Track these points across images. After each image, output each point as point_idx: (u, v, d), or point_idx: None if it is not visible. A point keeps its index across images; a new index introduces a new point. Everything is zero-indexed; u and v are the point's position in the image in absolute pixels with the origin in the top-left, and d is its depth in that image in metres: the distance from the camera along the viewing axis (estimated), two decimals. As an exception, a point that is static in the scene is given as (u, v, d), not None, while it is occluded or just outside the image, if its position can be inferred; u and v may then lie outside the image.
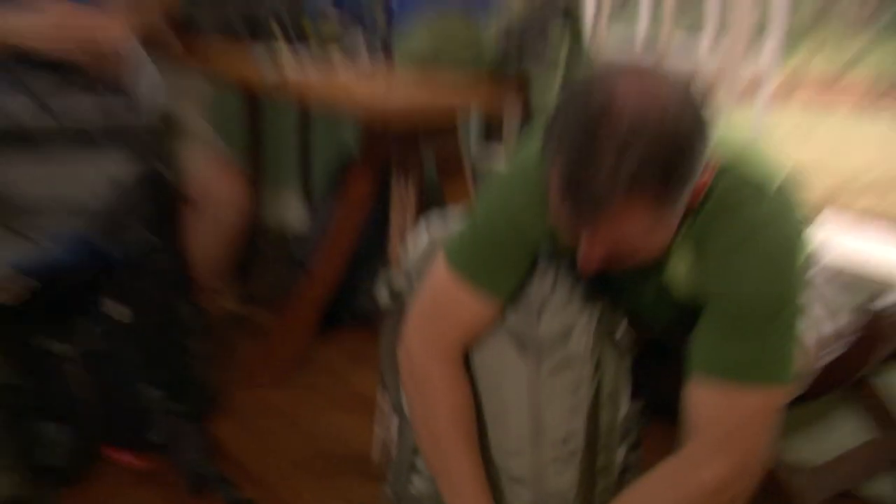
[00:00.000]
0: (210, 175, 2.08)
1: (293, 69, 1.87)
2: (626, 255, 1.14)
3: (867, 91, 9.32)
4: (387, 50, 1.98)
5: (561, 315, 1.42)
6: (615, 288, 1.44)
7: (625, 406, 1.50)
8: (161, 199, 1.88)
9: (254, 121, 2.86)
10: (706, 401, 1.25)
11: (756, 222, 1.21)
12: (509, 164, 1.41)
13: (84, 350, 1.88)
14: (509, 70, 1.85)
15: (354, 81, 1.84)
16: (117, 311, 1.87)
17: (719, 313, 1.25)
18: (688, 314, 1.31)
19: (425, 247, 1.54)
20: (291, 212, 3.42)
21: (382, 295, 1.63)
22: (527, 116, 1.91)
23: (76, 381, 1.90)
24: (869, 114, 8.60)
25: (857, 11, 11.77)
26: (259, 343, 2.58)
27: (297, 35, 2.03)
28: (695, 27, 2.39)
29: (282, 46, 2.02)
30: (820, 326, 1.49)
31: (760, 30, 2.22)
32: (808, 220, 1.29)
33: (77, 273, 1.78)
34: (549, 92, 1.84)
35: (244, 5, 2.08)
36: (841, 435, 1.99)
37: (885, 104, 8.83)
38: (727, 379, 1.22)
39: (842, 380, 1.59)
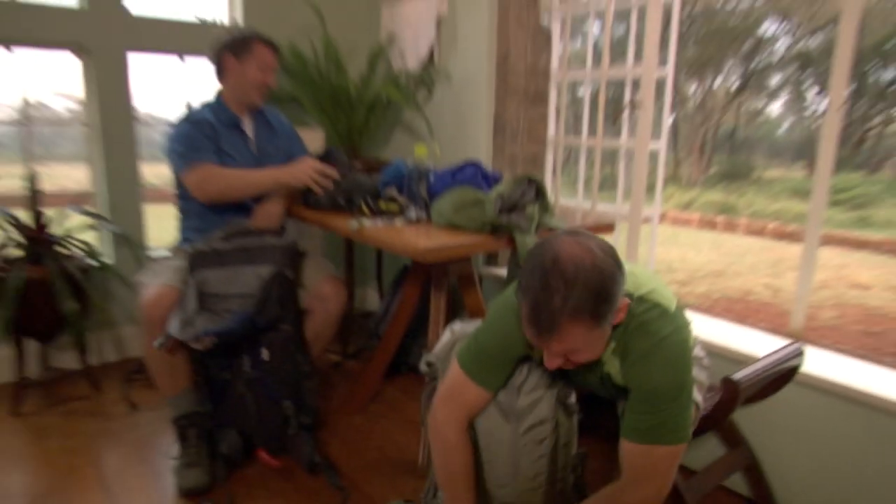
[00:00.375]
0: (322, 283, 1.96)
1: (370, 225, 1.75)
2: (576, 356, 1.08)
3: (702, 217, 9.25)
4: (427, 211, 1.85)
5: (532, 393, 1.28)
6: (571, 378, 1.30)
7: (573, 449, 1.34)
8: (286, 290, 1.80)
9: (349, 250, 2.74)
10: (632, 453, 1.17)
11: (661, 335, 1.13)
12: (499, 299, 1.27)
13: (245, 378, 1.79)
14: (502, 222, 1.71)
15: (406, 231, 1.72)
16: (263, 352, 1.78)
17: (638, 397, 1.15)
18: (622, 389, 1.22)
19: (448, 339, 1.43)
20: (370, 301, 3.27)
21: (423, 365, 1.49)
22: (514, 250, 1.76)
23: (241, 398, 1.80)
24: (706, 229, 8.53)
25: (690, 174, 11.81)
26: (349, 383, 2.40)
27: (376, 208, 1.94)
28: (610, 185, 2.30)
29: (367, 214, 1.93)
30: (697, 396, 1.35)
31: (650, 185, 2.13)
32: (690, 324, 1.19)
33: (241, 333, 1.71)
34: (527, 237, 1.70)
35: (345, 192, 2.01)
36: (711, 448, 1.84)
37: (713, 224, 8.77)
38: (645, 443, 1.15)
39: (712, 427, 1.43)
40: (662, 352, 1.12)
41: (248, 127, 2.03)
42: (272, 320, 1.75)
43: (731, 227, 8.78)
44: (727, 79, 13.41)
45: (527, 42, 2.40)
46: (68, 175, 2.55)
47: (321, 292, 1.94)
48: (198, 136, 1.90)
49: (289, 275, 1.79)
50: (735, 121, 13.54)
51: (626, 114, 2.28)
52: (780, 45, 12.41)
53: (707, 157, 13.25)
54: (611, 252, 1.01)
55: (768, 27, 12.12)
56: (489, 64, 2.38)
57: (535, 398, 1.27)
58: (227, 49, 1.93)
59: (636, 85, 2.21)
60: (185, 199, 2.01)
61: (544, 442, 1.26)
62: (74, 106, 2.53)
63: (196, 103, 2.03)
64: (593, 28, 2.52)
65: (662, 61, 2.18)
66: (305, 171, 1.93)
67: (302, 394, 1.85)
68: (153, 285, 1.78)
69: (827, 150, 1.75)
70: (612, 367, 1.18)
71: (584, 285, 0.97)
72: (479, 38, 2.38)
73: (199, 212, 1.98)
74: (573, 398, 1.32)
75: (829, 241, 7.81)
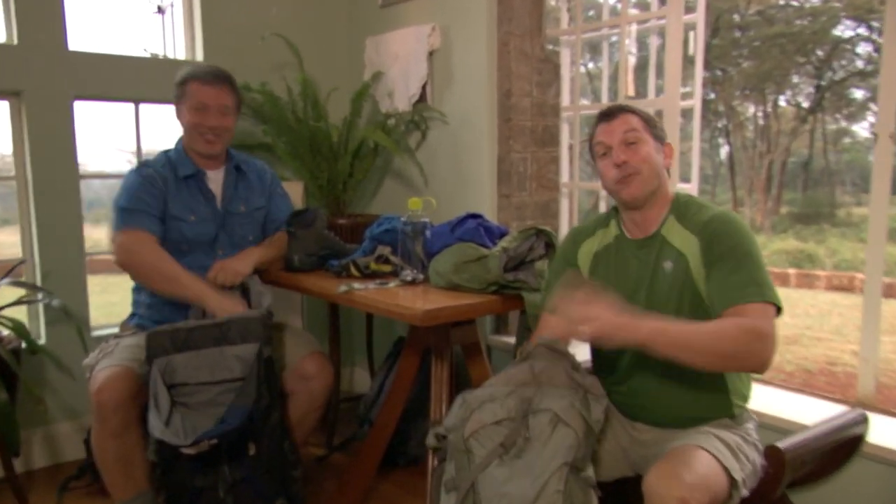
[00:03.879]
0: (304, 360, 2.19)
1: (359, 288, 2.01)
2: (636, 149, 1.62)
3: (769, 270, 9.45)
4: (425, 272, 2.11)
5: (543, 463, 1.48)
6: (651, 288, 1.65)
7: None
8: (270, 370, 1.97)
9: (334, 324, 2.98)
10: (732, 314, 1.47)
11: (720, 209, 1.61)
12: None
13: (227, 482, 1.93)
14: (508, 281, 1.95)
15: (401, 293, 1.97)
16: (250, 447, 1.94)
17: (721, 259, 1.52)
18: (684, 297, 1.59)
19: (460, 404, 1.63)
20: (359, 382, 3.51)
21: (430, 439, 1.67)
22: (522, 311, 2.00)
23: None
24: (774, 285, 8.73)
25: (753, 218, 11.93)
26: (337, 480, 2.60)
27: (367, 270, 2.20)
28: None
29: (356, 277, 2.20)
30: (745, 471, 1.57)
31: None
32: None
33: (235, 430, 1.86)
34: (537, 296, 1.94)
35: (332, 255, 2.31)
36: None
37: (784, 279, 8.97)
38: (739, 302, 1.47)
39: (761, 502, 1.60)
40: (731, 217, 1.57)
41: (216, 180, 2.31)
42: (264, 410, 1.94)
43: (808, 282, 8.95)
44: (796, 95, 13.60)
45: (531, 75, 2.74)
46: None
47: (304, 371, 2.17)
48: (145, 194, 2.17)
49: (267, 352, 1.97)
50: (810, 147, 13.66)
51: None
52: (863, 50, 12.21)
53: (775, 195, 13.37)
54: None
55: (846, 28, 12.21)
56: (489, 101, 2.71)
57: (547, 469, 1.47)
58: (173, 97, 2.25)
59: (660, 117, 2.52)
60: None
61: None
62: None
63: (155, 151, 2.32)
64: (607, 54, 2.87)
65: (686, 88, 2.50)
66: (228, 310, 2.06)
67: (290, 486, 2.04)
68: (104, 367, 1.98)
69: (880, 187, 1.98)
70: (676, 235, 1.62)
71: (637, 107, 1.68)
72: (477, 73, 2.72)
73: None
74: (591, 471, 1.54)
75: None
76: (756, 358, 1.43)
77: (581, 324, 1.44)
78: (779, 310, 1.49)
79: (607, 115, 1.67)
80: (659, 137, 1.67)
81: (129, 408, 1.93)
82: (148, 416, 1.84)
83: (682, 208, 1.65)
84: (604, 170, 1.67)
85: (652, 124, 1.65)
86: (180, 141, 2.31)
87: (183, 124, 2.25)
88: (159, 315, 2.18)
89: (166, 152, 2.30)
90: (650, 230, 1.68)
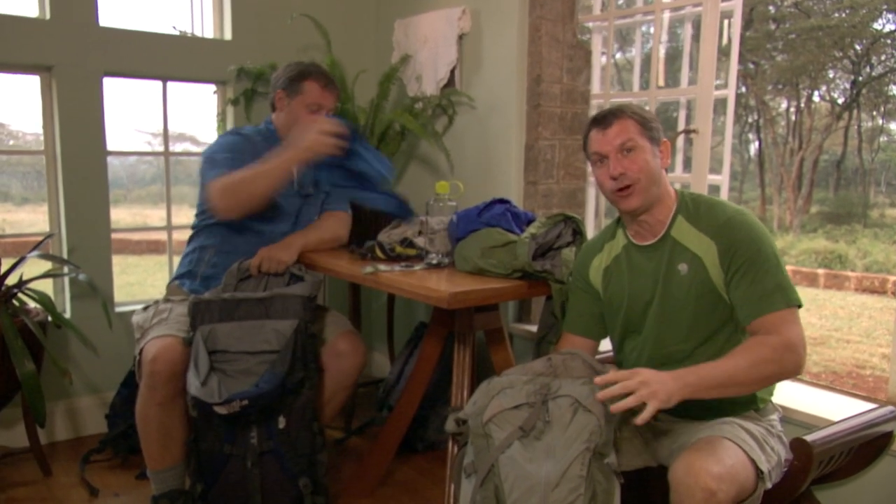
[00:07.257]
0: (338, 338, 2.28)
1: (385, 270, 2.06)
2: (633, 156, 1.63)
3: (797, 270, 9.45)
4: (450, 257, 2.16)
5: (565, 448, 1.54)
6: (666, 287, 1.69)
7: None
8: (310, 347, 2.08)
9: (355, 308, 3.07)
10: (757, 331, 1.55)
11: (736, 208, 1.66)
12: None
13: (255, 452, 2.03)
14: (536, 269, 1.98)
15: (428, 276, 2.02)
16: (280, 420, 2.04)
17: (743, 268, 1.58)
18: (703, 298, 1.64)
19: (484, 390, 1.68)
20: (378, 367, 3.58)
21: (450, 423, 1.73)
22: (548, 298, 2.05)
23: (246, 476, 2.03)
24: (802, 285, 8.74)
25: (782, 216, 11.90)
26: (354, 463, 2.67)
27: (392, 254, 2.26)
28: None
29: (381, 259, 2.25)
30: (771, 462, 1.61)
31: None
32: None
33: (274, 398, 1.97)
34: (565, 284, 1.99)
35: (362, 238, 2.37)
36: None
37: (812, 279, 8.96)
38: (767, 311, 1.54)
39: (787, 499, 1.64)
40: (747, 219, 1.61)
41: None
42: (297, 383, 2.03)
43: (837, 283, 8.96)
44: (831, 91, 13.50)
45: (562, 61, 2.77)
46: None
47: (338, 349, 2.25)
48: (238, 151, 2.28)
49: (311, 329, 2.08)
50: (844, 145, 13.58)
51: (679, 142, 2.60)
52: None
53: (805, 194, 13.31)
54: None
55: (887, 22, 12.00)
56: (519, 87, 2.74)
57: (569, 454, 1.52)
58: (280, 84, 2.38)
59: (692, 107, 2.54)
60: (204, 227, 2.39)
61: (577, 501, 1.49)
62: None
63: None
64: (640, 42, 2.89)
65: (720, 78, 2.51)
66: (319, 139, 2.11)
67: (316, 469, 2.11)
68: (159, 335, 2.07)
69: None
70: (689, 237, 1.65)
71: (633, 106, 1.69)
72: (507, 58, 2.75)
73: (220, 238, 2.34)
74: (613, 458, 1.57)
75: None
76: (793, 367, 1.51)
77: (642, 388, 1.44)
78: (799, 305, 1.58)
79: (601, 121, 1.68)
80: (655, 139, 1.68)
81: (178, 380, 2.02)
82: (187, 376, 1.96)
83: (690, 208, 1.69)
84: (601, 178, 1.70)
85: (648, 126, 1.66)
86: (270, 122, 2.45)
87: (288, 116, 2.38)
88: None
89: (256, 128, 2.46)
90: (659, 233, 1.72)
